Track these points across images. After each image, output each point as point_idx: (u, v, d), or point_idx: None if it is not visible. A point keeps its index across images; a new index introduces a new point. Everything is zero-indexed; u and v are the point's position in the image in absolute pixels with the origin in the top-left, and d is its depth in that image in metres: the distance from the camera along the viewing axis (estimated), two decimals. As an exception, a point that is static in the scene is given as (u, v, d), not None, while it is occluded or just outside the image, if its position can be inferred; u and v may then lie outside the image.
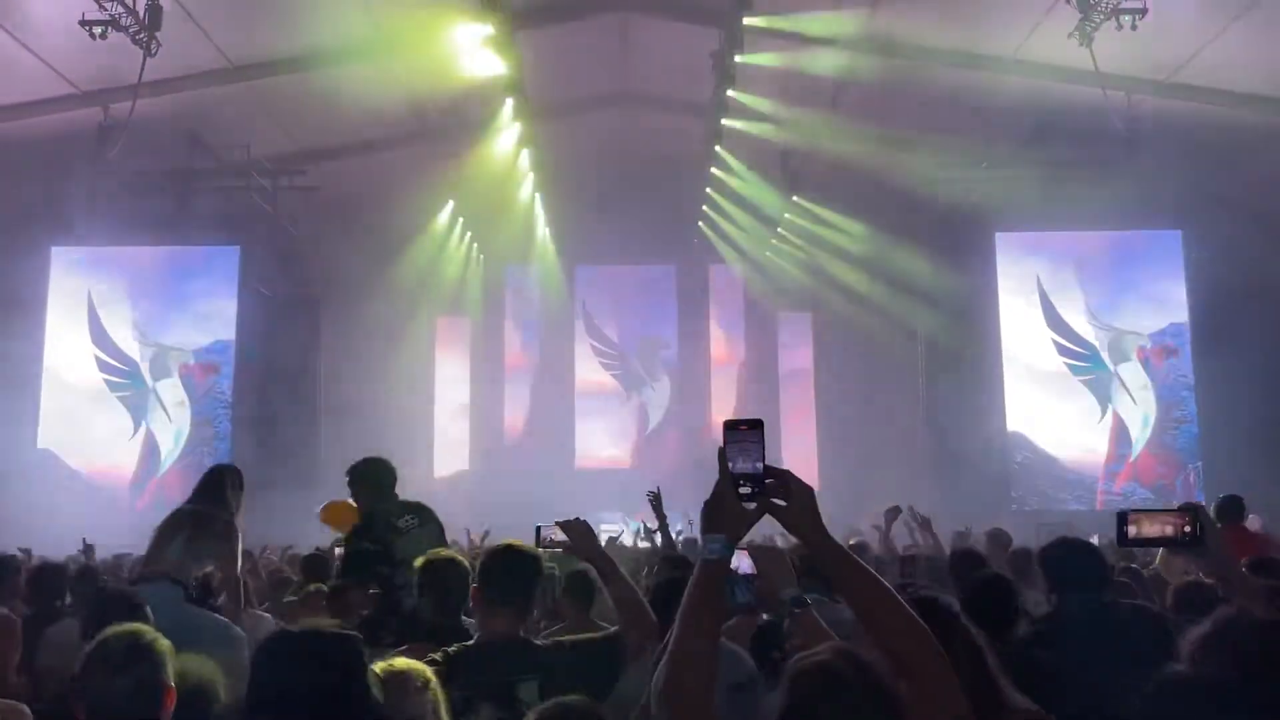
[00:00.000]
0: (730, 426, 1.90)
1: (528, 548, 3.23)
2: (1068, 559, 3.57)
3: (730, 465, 1.87)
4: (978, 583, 3.45)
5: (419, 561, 3.48)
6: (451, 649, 2.88)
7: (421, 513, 4.95)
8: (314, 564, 6.52)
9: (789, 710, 1.71)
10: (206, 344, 16.65)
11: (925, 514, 6.97)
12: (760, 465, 1.87)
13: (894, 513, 6.82)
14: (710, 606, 1.86)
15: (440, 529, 4.93)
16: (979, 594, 3.28)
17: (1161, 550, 6.41)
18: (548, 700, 2.57)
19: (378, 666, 2.41)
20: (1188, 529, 2.43)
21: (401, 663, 2.45)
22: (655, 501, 5.98)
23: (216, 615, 4.07)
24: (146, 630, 2.42)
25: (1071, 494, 15.62)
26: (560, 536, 3.32)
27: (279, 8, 13.13)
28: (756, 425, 1.89)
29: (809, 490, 1.88)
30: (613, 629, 3.19)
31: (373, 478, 5.10)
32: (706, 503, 1.88)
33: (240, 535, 4.84)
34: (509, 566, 3.06)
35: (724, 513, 1.86)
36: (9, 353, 15.23)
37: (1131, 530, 2.46)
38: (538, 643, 3.05)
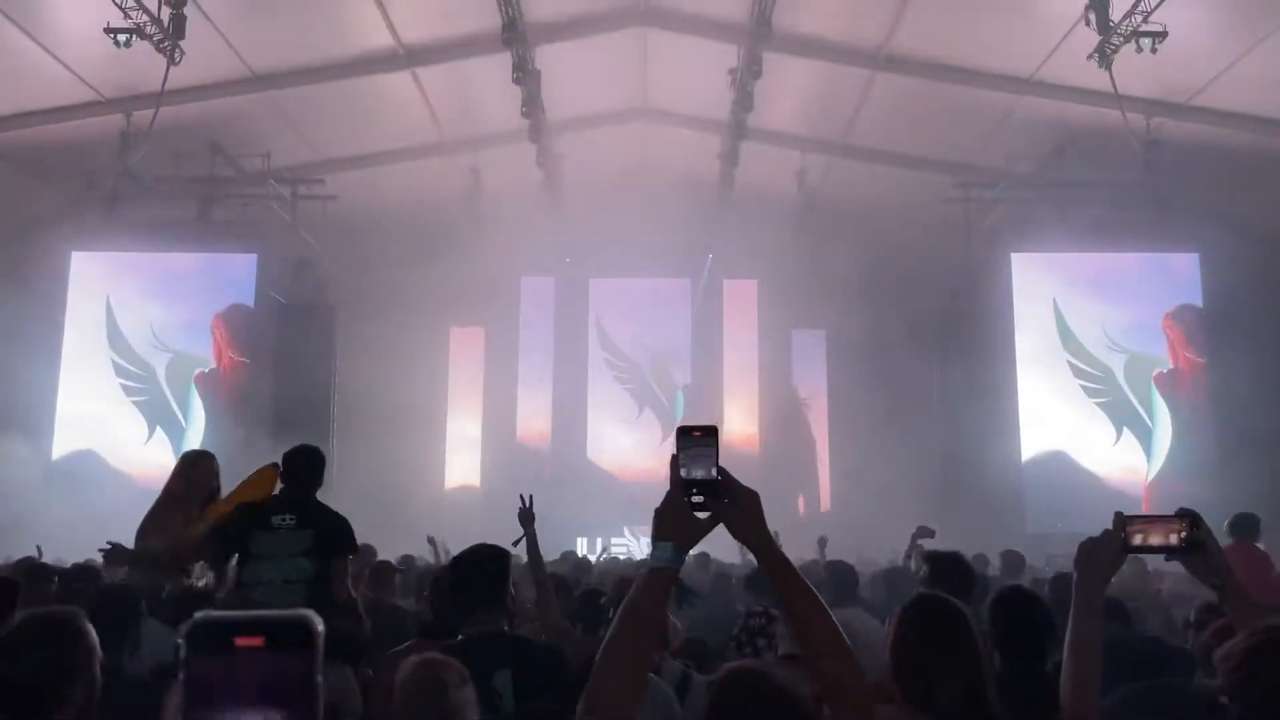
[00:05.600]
0: (684, 433, 1.84)
1: (496, 548, 3.41)
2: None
3: (684, 472, 1.82)
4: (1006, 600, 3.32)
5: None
6: (441, 646, 2.99)
7: (309, 515, 4.77)
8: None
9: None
10: (221, 351, 16.74)
11: (941, 537, 7.16)
12: (715, 472, 1.82)
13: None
14: (651, 614, 1.83)
15: (325, 534, 4.73)
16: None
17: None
18: (520, 688, 2.85)
19: (412, 659, 2.44)
20: (1184, 535, 2.38)
21: (437, 658, 2.45)
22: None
23: (160, 624, 4.15)
24: (66, 611, 2.39)
25: (1109, 515, 15.39)
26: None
27: (302, 18, 13.25)
28: (711, 432, 1.84)
29: (754, 495, 1.85)
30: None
31: (294, 467, 4.96)
32: (657, 510, 1.84)
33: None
34: (479, 566, 3.28)
35: (674, 520, 1.83)
36: (28, 356, 15.34)
37: (1136, 539, 2.40)
38: (513, 635, 3.20)
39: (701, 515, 1.82)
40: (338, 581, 4.74)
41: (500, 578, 3.27)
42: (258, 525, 4.70)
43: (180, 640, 0.74)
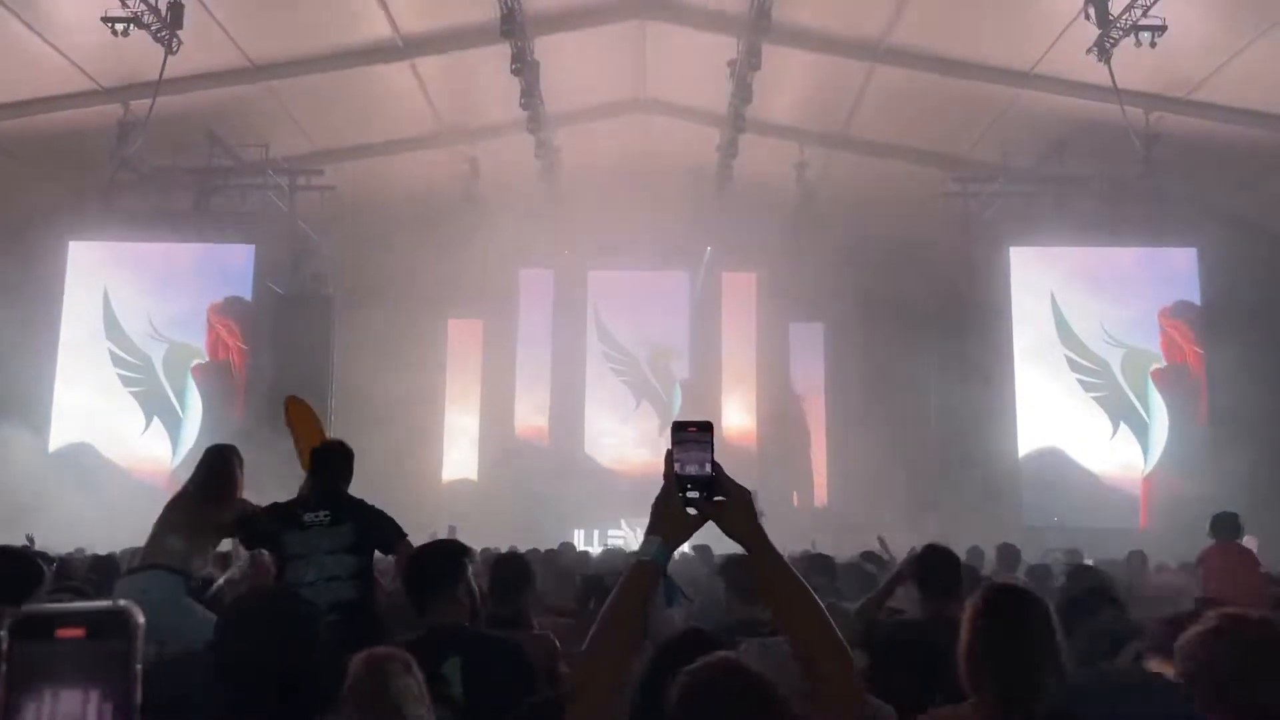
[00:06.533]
0: (679, 428, 1.83)
1: (455, 543, 3.57)
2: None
3: (678, 468, 1.81)
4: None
5: None
6: (403, 639, 3.08)
7: (343, 510, 4.67)
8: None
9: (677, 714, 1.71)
10: (219, 342, 16.72)
11: (938, 531, 7.20)
12: (709, 468, 1.80)
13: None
14: (634, 608, 1.83)
15: (367, 528, 4.63)
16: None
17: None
18: (470, 676, 2.93)
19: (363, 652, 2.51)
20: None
21: (383, 649, 2.52)
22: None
23: (210, 613, 4.15)
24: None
25: (1110, 512, 15.32)
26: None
27: (300, 8, 13.22)
28: (706, 428, 1.83)
29: (746, 492, 1.85)
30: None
31: (322, 464, 4.90)
32: (654, 504, 1.84)
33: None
34: (432, 561, 3.39)
35: (666, 516, 1.82)
36: (26, 347, 15.33)
37: None
38: (466, 627, 3.29)
39: (693, 511, 1.81)
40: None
41: (455, 573, 3.35)
42: (290, 524, 4.59)
43: (3, 632, 0.77)
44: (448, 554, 3.45)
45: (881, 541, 7.59)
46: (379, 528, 4.70)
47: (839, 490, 17.90)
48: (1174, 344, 16.31)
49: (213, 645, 2.05)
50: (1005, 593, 2.32)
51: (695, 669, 1.75)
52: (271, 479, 5.40)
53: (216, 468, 5.07)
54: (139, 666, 0.77)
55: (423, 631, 3.22)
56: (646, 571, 1.83)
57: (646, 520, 1.85)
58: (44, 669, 0.76)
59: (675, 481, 1.81)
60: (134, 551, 7.78)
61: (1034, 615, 2.23)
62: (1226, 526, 7.38)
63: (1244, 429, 14.33)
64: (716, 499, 1.81)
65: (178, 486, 5.21)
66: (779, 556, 1.86)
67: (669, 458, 1.82)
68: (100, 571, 6.32)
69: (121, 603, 0.79)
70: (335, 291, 16.85)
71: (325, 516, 4.60)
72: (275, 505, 4.82)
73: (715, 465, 1.82)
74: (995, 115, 15.13)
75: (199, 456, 5.22)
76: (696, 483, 1.80)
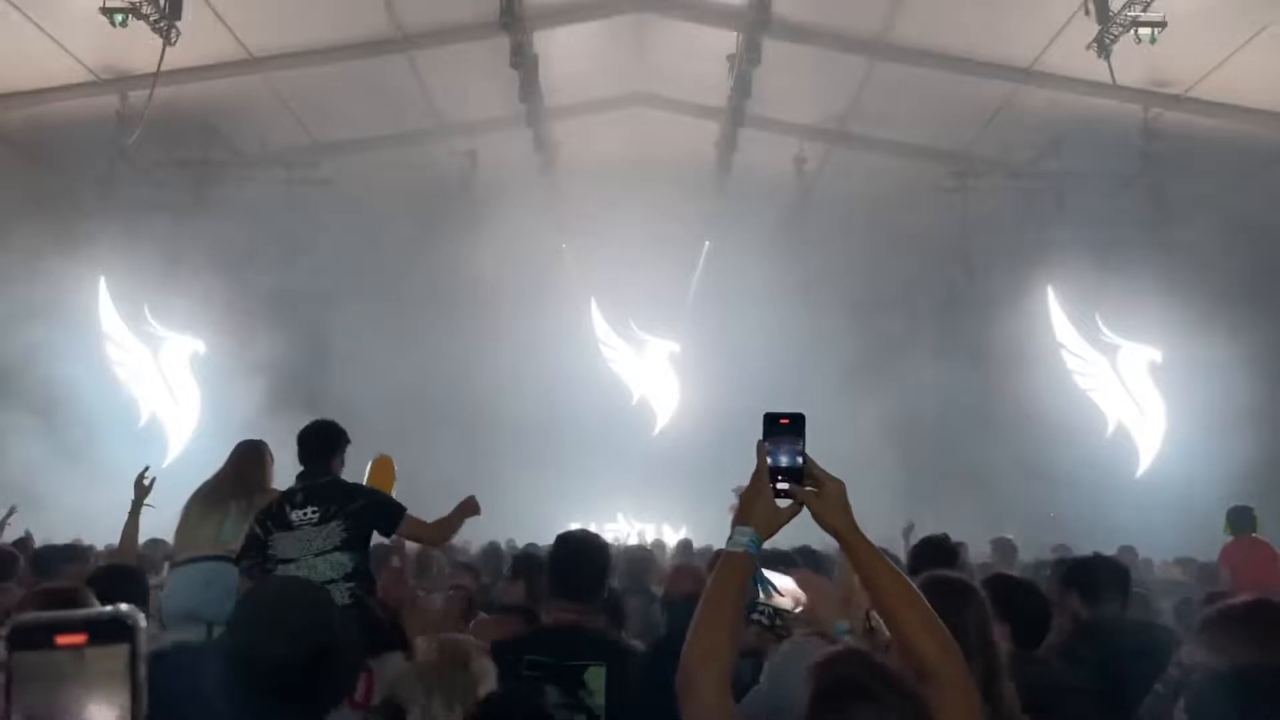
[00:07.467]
0: (771, 419, 1.84)
1: (600, 537, 3.30)
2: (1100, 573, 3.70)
3: (769, 459, 1.81)
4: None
5: None
6: (534, 628, 2.94)
7: (331, 503, 4.41)
8: None
9: (817, 703, 1.68)
10: (217, 335, 16.70)
11: (934, 525, 7.09)
12: (800, 460, 1.82)
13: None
14: (730, 599, 1.81)
15: (357, 521, 4.39)
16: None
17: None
18: (613, 689, 2.75)
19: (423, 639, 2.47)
20: None
21: (453, 637, 2.48)
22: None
23: None
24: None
25: (1105, 508, 15.29)
26: None
27: (299, 1, 13.18)
28: (798, 419, 1.83)
29: (839, 483, 1.84)
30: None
31: (305, 446, 4.67)
32: (742, 495, 1.84)
33: None
34: (588, 556, 3.13)
35: (758, 506, 1.82)
36: (22, 337, 15.28)
37: None
38: (611, 635, 3.09)
39: (784, 503, 1.82)
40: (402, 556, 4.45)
41: (604, 570, 3.15)
42: (278, 525, 4.38)
43: (2, 639, 0.76)
44: (603, 550, 3.18)
45: (907, 533, 7.32)
46: (374, 512, 4.50)
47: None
48: (1172, 341, 16.33)
49: (226, 633, 2.03)
50: (942, 585, 2.30)
51: (827, 661, 1.73)
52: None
53: (250, 459, 5.07)
54: (144, 670, 0.76)
55: (559, 626, 3.04)
56: (740, 562, 1.82)
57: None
58: (46, 677, 0.75)
59: (767, 472, 1.81)
60: (155, 542, 7.76)
61: (970, 610, 2.21)
62: (1243, 520, 7.34)
63: (1243, 426, 14.34)
64: (809, 489, 1.81)
65: (176, 481, 5.22)
66: (872, 548, 1.85)
67: (761, 449, 1.82)
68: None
69: (123, 607, 0.78)
70: (332, 285, 16.81)
71: (313, 514, 4.35)
72: (265, 507, 4.61)
73: (805, 456, 1.82)
74: (994, 111, 15.13)
75: (197, 450, 5.25)
76: (788, 474, 1.81)
